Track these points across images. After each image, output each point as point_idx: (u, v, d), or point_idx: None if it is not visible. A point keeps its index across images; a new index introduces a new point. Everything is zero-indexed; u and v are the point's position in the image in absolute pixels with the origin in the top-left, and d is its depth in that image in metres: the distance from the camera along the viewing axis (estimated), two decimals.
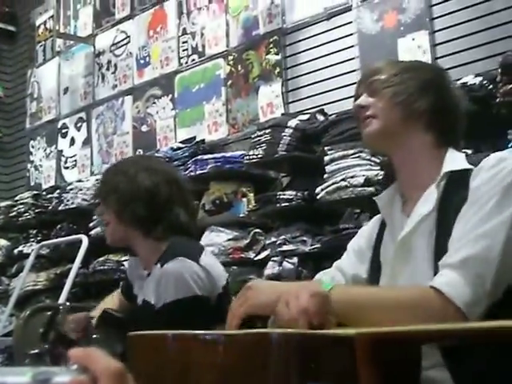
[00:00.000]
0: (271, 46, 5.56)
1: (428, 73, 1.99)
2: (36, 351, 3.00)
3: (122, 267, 5.73)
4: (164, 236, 2.69)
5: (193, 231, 2.87)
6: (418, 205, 1.82)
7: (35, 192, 7.05)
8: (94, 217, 6.07)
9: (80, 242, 5.34)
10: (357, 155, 4.27)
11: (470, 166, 1.77)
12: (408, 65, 2.03)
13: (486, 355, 1.54)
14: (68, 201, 6.40)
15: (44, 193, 6.98)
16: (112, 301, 3.01)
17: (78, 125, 7.39)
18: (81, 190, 6.35)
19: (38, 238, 6.71)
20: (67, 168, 7.45)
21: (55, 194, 6.69)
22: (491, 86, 3.75)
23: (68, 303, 2.68)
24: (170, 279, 2.49)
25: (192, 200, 3.00)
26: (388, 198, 1.99)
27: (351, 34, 5.03)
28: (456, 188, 1.75)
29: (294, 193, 4.65)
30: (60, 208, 6.48)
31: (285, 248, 4.63)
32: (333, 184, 4.33)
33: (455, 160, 1.83)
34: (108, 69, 7.12)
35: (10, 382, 0.64)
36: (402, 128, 1.89)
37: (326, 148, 4.45)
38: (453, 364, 1.60)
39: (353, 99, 2.00)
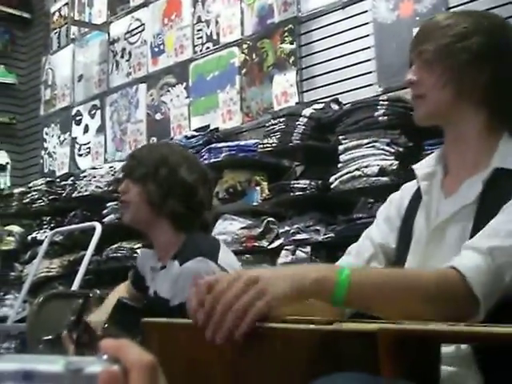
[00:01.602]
0: (286, 34, 5.54)
1: (486, 38, 1.77)
2: (49, 337, 3.01)
3: (135, 254, 5.73)
4: (183, 232, 2.71)
5: (211, 229, 2.91)
6: (459, 191, 1.75)
7: (49, 179, 7.06)
8: (108, 204, 6.08)
9: (93, 229, 5.37)
10: (371, 145, 4.25)
11: None
12: (462, 30, 1.78)
13: None
14: (82, 188, 6.41)
15: (58, 180, 7.00)
16: (122, 291, 3.01)
17: (92, 112, 7.40)
18: (94, 177, 6.36)
19: (52, 225, 6.73)
20: (81, 155, 7.47)
21: (69, 181, 6.70)
22: None
23: (98, 291, 2.68)
24: (188, 279, 2.48)
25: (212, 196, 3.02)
26: (429, 169, 1.87)
27: (367, 23, 5.00)
28: (502, 185, 1.67)
29: (307, 182, 4.64)
30: (73, 195, 6.50)
31: (298, 237, 4.63)
32: (347, 173, 4.32)
33: (507, 154, 1.73)
34: (122, 56, 7.12)
35: (41, 370, 0.64)
36: (453, 108, 1.78)
37: (340, 137, 4.44)
38: (482, 360, 1.55)
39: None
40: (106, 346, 0.67)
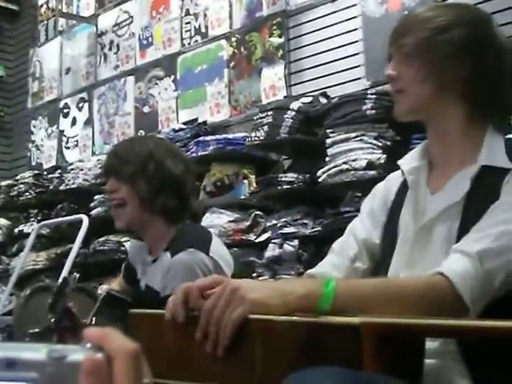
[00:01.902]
0: (274, 28, 5.53)
1: (466, 30, 1.73)
2: (36, 330, 3.01)
3: (123, 248, 5.74)
4: (174, 225, 2.70)
5: (200, 216, 2.89)
6: (445, 188, 1.72)
7: (36, 172, 7.05)
8: (95, 197, 6.08)
9: (80, 222, 5.34)
10: (359, 138, 4.26)
11: (508, 166, 1.65)
12: (443, 23, 1.73)
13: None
14: (69, 181, 6.41)
15: (45, 172, 7.00)
16: (115, 284, 3.02)
17: (80, 105, 7.38)
18: (82, 170, 6.36)
19: (39, 218, 6.72)
20: (68, 148, 7.45)
21: (56, 174, 6.70)
22: None
23: (75, 274, 2.68)
24: (179, 270, 2.47)
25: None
26: (414, 164, 1.83)
27: (355, 17, 5.00)
28: (489, 183, 1.64)
29: (295, 175, 4.64)
30: (61, 188, 6.49)
31: (285, 230, 4.63)
32: (334, 167, 4.32)
33: (494, 150, 1.69)
34: (110, 49, 7.10)
35: (24, 358, 0.64)
36: (433, 103, 1.74)
37: (328, 131, 4.44)
38: (467, 353, 1.54)
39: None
40: (89, 334, 0.67)
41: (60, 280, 2.63)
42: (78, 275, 2.71)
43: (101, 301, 2.57)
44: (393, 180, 1.94)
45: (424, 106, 1.77)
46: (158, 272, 2.63)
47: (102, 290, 2.68)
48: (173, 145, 2.97)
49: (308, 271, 1.95)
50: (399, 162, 1.89)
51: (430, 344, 1.48)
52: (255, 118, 4.99)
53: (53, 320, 2.55)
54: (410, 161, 1.86)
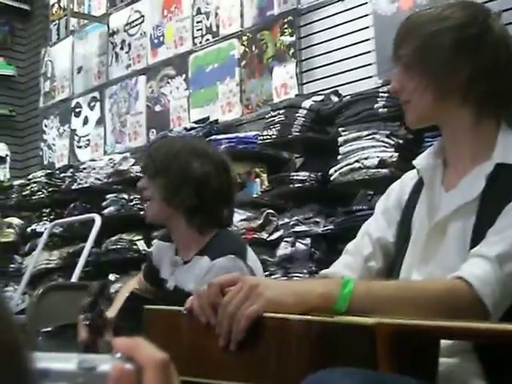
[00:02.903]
0: (286, 26, 5.53)
1: (458, 32, 1.71)
2: (49, 329, 3.02)
3: (135, 246, 5.75)
4: (204, 228, 2.71)
5: (231, 224, 2.91)
6: (460, 186, 1.72)
7: (48, 171, 7.06)
8: (107, 196, 6.09)
9: (93, 221, 5.38)
10: (371, 137, 4.25)
11: None
12: (434, 28, 1.72)
13: None
14: (81, 180, 6.42)
15: (57, 172, 7.00)
16: (132, 285, 3.02)
17: (92, 104, 7.39)
18: (94, 169, 6.36)
19: (51, 217, 6.73)
20: (80, 147, 7.46)
21: (68, 173, 6.70)
22: None
23: (115, 276, 2.70)
24: (219, 274, 2.47)
25: (236, 192, 3.00)
26: (429, 163, 1.83)
27: (366, 15, 5.00)
28: (504, 182, 1.64)
29: (307, 174, 4.64)
30: (73, 187, 6.50)
31: (297, 229, 4.63)
32: (346, 165, 4.32)
33: (508, 147, 1.69)
34: (122, 48, 7.10)
35: (54, 369, 0.64)
36: (438, 110, 1.75)
37: (339, 129, 4.44)
38: (483, 352, 1.53)
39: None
40: (119, 344, 0.67)
41: (99, 283, 2.64)
42: (113, 279, 2.73)
43: (125, 301, 2.59)
44: (407, 179, 1.94)
45: (429, 115, 1.78)
46: (191, 275, 2.64)
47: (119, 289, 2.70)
48: (206, 146, 2.98)
49: (322, 271, 1.94)
50: (414, 162, 1.89)
51: (445, 342, 1.48)
52: (267, 116, 4.99)
53: (86, 317, 2.57)
54: (424, 159, 1.86)
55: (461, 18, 1.74)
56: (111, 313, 2.67)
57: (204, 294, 1.45)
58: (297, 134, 4.68)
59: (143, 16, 6.91)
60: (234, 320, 1.38)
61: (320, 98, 4.81)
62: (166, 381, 0.67)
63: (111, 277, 2.65)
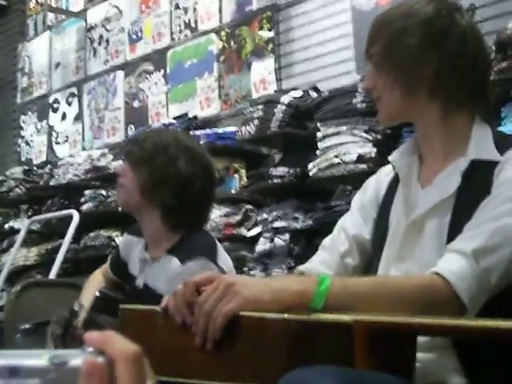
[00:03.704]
0: (264, 21, 5.53)
1: (424, 28, 1.72)
2: (27, 326, 3.00)
3: (113, 243, 5.73)
4: (179, 228, 2.67)
5: (206, 224, 2.86)
6: (435, 183, 1.72)
7: (26, 167, 7.04)
8: (86, 192, 6.07)
9: (71, 217, 5.35)
10: (350, 132, 4.26)
11: (497, 159, 1.64)
12: (400, 25, 1.74)
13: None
14: (59, 176, 6.39)
15: (35, 168, 6.98)
16: (98, 280, 2.97)
17: (70, 100, 7.36)
18: (72, 165, 6.34)
19: (29, 213, 6.72)
20: (58, 143, 7.43)
21: (46, 170, 6.68)
22: None
23: (84, 305, 2.64)
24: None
25: (215, 192, 2.93)
26: (405, 159, 1.83)
27: (345, 11, 5.01)
28: (479, 177, 1.64)
29: (286, 169, 4.64)
30: (51, 183, 6.48)
31: (276, 224, 4.63)
32: (325, 161, 4.33)
33: (482, 142, 1.69)
34: (100, 44, 7.08)
35: (26, 365, 0.64)
36: (407, 106, 1.75)
37: (318, 124, 4.44)
38: (460, 347, 1.54)
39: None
40: (90, 339, 0.67)
41: (66, 314, 2.59)
42: (83, 304, 2.67)
43: (93, 301, 2.57)
44: (383, 175, 1.94)
45: (399, 111, 1.78)
46: (160, 274, 2.61)
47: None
48: (197, 145, 2.89)
49: (298, 268, 1.94)
50: (390, 158, 1.88)
51: (423, 338, 1.48)
52: (245, 112, 4.99)
53: (54, 341, 2.55)
54: (400, 156, 1.86)
55: (427, 12, 1.74)
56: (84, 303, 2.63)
57: (179, 293, 1.44)
58: (275, 129, 4.69)
59: (121, 11, 6.89)
60: (210, 318, 1.37)
61: (299, 93, 4.81)
62: (139, 373, 0.67)
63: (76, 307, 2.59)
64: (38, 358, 0.64)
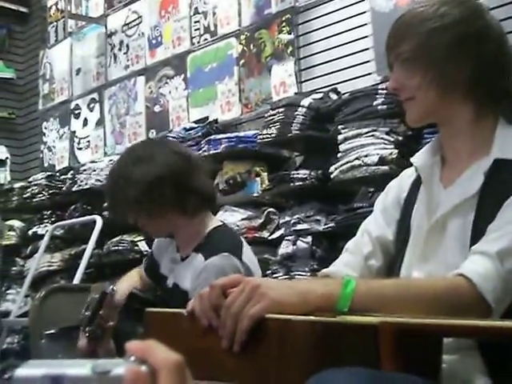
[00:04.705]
0: (283, 24, 5.53)
1: (461, 28, 1.71)
2: (52, 331, 3.02)
3: (137, 247, 5.75)
4: (199, 209, 2.69)
5: (216, 201, 2.90)
6: (458, 183, 1.72)
7: (49, 173, 7.06)
8: None
9: (94, 222, 5.37)
10: (371, 134, 4.25)
11: None
12: (436, 24, 1.72)
13: None
14: (82, 181, 6.41)
15: (57, 174, 6.99)
16: (135, 277, 3.00)
17: (91, 105, 7.39)
18: (94, 170, 6.36)
19: (52, 219, 6.73)
20: (80, 149, 7.46)
21: (69, 175, 6.70)
22: None
23: (114, 287, 2.67)
24: (212, 273, 2.46)
25: (207, 173, 2.97)
26: (427, 161, 1.83)
27: (364, 12, 5.00)
28: (503, 177, 1.63)
29: (307, 172, 4.64)
30: (74, 189, 6.49)
31: (299, 227, 4.63)
32: (347, 163, 4.32)
33: (506, 142, 1.69)
34: (120, 49, 7.11)
35: (69, 374, 0.64)
36: (441, 105, 1.74)
37: (339, 127, 4.43)
38: (486, 349, 1.53)
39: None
40: (132, 348, 0.67)
41: (97, 296, 2.62)
42: (113, 288, 2.69)
43: (125, 301, 2.59)
44: (406, 177, 1.94)
45: (433, 110, 1.77)
46: (187, 272, 2.64)
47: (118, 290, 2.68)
48: (169, 142, 2.94)
49: (322, 270, 1.94)
50: (412, 159, 1.89)
51: (449, 339, 1.48)
52: (266, 115, 4.98)
53: (85, 330, 2.57)
54: (422, 157, 1.86)
55: (460, 13, 1.74)
56: (118, 295, 2.65)
57: (205, 296, 1.45)
58: (296, 132, 4.68)
59: (141, 16, 6.91)
60: (237, 320, 1.36)
61: (319, 95, 4.81)
62: (181, 382, 0.67)
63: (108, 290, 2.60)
64: (80, 367, 0.65)
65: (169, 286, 2.76)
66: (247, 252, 2.68)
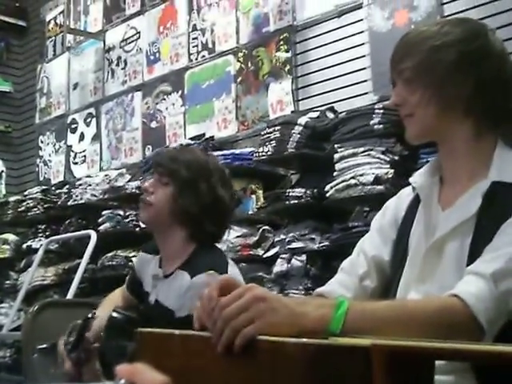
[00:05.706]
0: (281, 43, 5.55)
1: (462, 47, 1.72)
2: (44, 346, 3.01)
3: (131, 263, 5.73)
4: (200, 243, 2.71)
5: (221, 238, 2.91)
6: (456, 205, 1.72)
7: (44, 187, 7.07)
8: (103, 212, 6.08)
9: (88, 237, 5.37)
10: (367, 153, 4.26)
11: None
12: (437, 43, 1.73)
13: None
14: (77, 196, 6.41)
15: (53, 188, 7.00)
16: (116, 298, 2.99)
17: (88, 120, 7.40)
18: (90, 185, 6.36)
19: (47, 233, 6.73)
20: (76, 163, 7.47)
21: (64, 190, 6.71)
22: None
23: (95, 312, 2.67)
24: (198, 292, 2.45)
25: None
26: (426, 181, 1.83)
27: (362, 32, 5.01)
28: (500, 200, 1.64)
29: (303, 190, 4.64)
30: (69, 203, 6.50)
31: (293, 245, 4.63)
32: (342, 182, 4.32)
33: (504, 165, 1.69)
34: (118, 64, 7.12)
35: None
36: (440, 123, 1.75)
37: (335, 146, 4.44)
38: (479, 371, 1.52)
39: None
40: (121, 371, 0.68)
41: (81, 321, 2.61)
42: (96, 313, 2.69)
43: (108, 320, 2.57)
44: (403, 197, 1.94)
45: (432, 128, 1.77)
46: (171, 290, 2.62)
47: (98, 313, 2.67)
48: (224, 167, 2.94)
49: (317, 290, 1.93)
50: (411, 180, 1.89)
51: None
52: (262, 133, 4.99)
53: (70, 354, 2.57)
54: (421, 177, 1.86)
55: (462, 32, 1.76)
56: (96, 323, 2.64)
57: (205, 296, 1.41)
58: (292, 150, 4.69)
59: (139, 32, 6.93)
60: (227, 325, 1.32)
61: (316, 114, 4.82)
62: None
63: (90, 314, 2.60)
64: None
65: (151, 302, 2.74)
66: (233, 270, 2.67)
